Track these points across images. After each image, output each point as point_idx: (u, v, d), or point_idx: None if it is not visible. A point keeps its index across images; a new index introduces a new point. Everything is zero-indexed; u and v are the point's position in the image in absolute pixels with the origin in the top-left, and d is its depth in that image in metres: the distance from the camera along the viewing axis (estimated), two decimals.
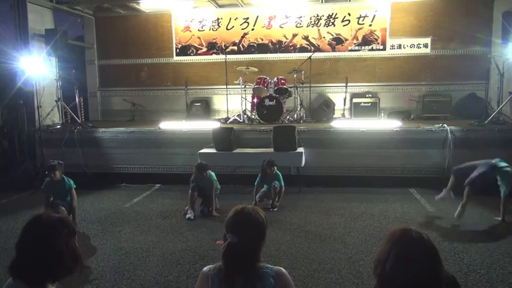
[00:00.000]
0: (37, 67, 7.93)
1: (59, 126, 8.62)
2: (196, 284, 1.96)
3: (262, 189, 6.34)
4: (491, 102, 8.64)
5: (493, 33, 8.96)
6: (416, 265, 1.48)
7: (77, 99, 9.38)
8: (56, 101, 8.72)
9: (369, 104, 9.18)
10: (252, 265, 1.87)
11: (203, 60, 10.50)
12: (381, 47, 9.79)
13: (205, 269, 1.95)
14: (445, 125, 7.24)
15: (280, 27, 10.12)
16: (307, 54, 9.33)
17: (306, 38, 10.04)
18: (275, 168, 6.27)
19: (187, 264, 4.33)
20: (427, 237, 1.56)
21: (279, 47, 10.17)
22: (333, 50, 9.98)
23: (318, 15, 9.94)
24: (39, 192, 5.89)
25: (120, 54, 10.75)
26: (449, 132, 7.12)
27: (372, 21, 9.74)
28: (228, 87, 9.22)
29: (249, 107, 9.24)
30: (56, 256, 1.68)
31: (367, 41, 9.83)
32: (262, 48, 10.23)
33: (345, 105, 9.36)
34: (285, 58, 10.11)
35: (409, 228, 1.62)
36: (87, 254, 4.53)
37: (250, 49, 10.28)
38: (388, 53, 9.77)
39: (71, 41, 10.10)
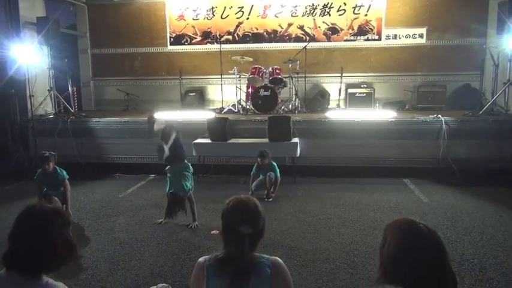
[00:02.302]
0: (29, 56, 7.81)
1: (51, 116, 8.55)
2: (192, 274, 1.96)
3: (259, 179, 6.32)
4: (485, 93, 8.66)
5: (489, 24, 8.95)
6: (428, 257, 1.49)
7: (70, 89, 9.27)
8: (48, 90, 8.62)
9: (364, 95, 9.16)
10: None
11: (197, 50, 10.39)
12: (377, 37, 9.74)
13: (201, 259, 1.94)
14: (440, 116, 7.25)
15: (275, 16, 10.02)
16: (303, 44, 9.26)
17: (301, 27, 9.96)
18: (266, 159, 6.25)
19: (182, 254, 4.33)
20: (432, 228, 1.56)
21: (274, 36, 10.09)
22: (328, 40, 9.91)
23: (313, 5, 9.85)
24: (31, 182, 5.84)
25: (113, 43, 10.61)
26: (443, 123, 7.13)
27: (367, 11, 9.68)
28: (222, 77, 9.17)
29: (243, 97, 9.19)
30: (50, 247, 1.66)
31: (362, 31, 9.77)
32: (257, 37, 10.15)
33: (340, 95, 9.34)
34: (280, 48, 10.03)
35: (413, 220, 1.61)
36: (82, 245, 4.51)
37: (245, 38, 10.18)
38: (384, 43, 9.74)
39: (63, 29, 9.92)
